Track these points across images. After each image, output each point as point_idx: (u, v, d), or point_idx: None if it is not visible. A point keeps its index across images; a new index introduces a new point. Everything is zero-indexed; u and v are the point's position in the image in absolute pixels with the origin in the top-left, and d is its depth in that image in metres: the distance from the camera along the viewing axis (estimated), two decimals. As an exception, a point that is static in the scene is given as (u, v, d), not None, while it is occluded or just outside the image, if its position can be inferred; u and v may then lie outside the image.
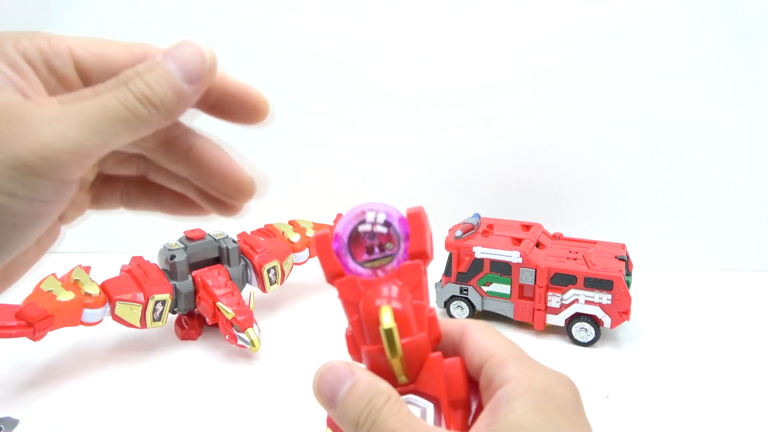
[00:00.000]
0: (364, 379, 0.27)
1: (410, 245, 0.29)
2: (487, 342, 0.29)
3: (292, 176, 1.04)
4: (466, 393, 0.28)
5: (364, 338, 0.29)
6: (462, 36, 0.94)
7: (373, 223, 0.29)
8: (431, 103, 0.98)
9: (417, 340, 0.28)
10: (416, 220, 0.29)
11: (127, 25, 0.98)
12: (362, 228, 0.30)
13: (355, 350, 0.29)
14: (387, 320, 0.27)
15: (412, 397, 0.28)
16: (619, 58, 0.91)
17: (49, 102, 0.23)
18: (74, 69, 0.25)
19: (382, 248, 0.29)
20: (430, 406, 0.27)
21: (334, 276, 0.30)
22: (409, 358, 0.28)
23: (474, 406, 0.29)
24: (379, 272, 0.29)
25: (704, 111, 0.92)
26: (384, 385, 0.27)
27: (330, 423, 0.28)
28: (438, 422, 0.27)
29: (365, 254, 0.29)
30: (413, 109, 0.98)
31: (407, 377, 0.28)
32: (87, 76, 0.25)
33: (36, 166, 0.21)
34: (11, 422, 0.59)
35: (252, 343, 0.68)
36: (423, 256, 0.29)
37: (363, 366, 0.28)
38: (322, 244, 0.30)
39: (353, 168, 1.03)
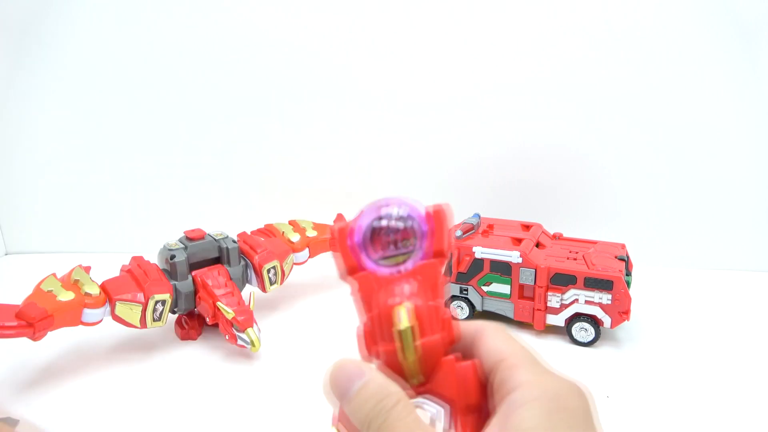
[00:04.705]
0: (374, 379, 0.26)
1: (430, 244, 0.28)
2: (501, 345, 0.28)
3: (292, 176, 1.04)
4: (479, 397, 0.28)
5: (376, 336, 0.28)
6: (462, 37, 0.94)
7: (394, 218, 0.28)
8: (431, 103, 0.98)
9: (432, 342, 0.27)
10: (439, 218, 0.28)
11: (127, 25, 0.98)
12: (382, 223, 0.28)
13: (368, 348, 0.28)
14: (402, 321, 0.26)
15: (424, 399, 0.27)
16: (619, 58, 0.91)
17: None
18: None
19: (401, 245, 0.28)
20: (442, 410, 0.27)
21: (351, 270, 0.29)
22: (423, 360, 0.27)
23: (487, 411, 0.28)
24: (397, 269, 0.28)
25: (704, 111, 0.92)
26: (394, 388, 0.26)
27: (336, 422, 0.28)
28: (450, 426, 0.27)
29: (384, 250, 0.28)
30: (413, 109, 0.98)
31: (420, 379, 0.27)
32: None
33: None
34: (11, 422, 0.59)
35: (252, 343, 0.68)
36: (441, 255, 0.28)
37: (374, 366, 0.28)
38: (341, 237, 0.29)
39: (353, 168, 1.03)
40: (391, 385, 0.26)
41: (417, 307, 0.27)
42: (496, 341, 0.28)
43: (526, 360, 0.27)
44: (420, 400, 0.27)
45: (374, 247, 0.28)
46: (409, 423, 0.25)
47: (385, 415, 0.25)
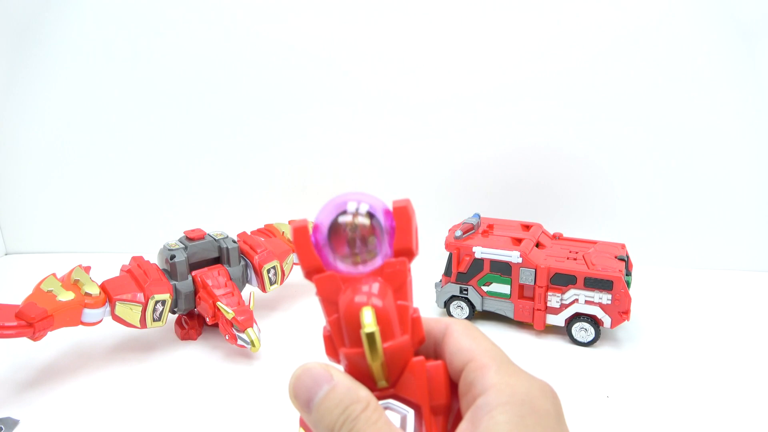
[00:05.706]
0: (342, 383, 0.25)
1: (395, 241, 0.27)
2: (469, 344, 0.27)
3: (292, 176, 1.04)
4: (448, 398, 0.27)
5: (342, 339, 0.27)
6: (462, 38, 0.94)
7: (355, 214, 0.27)
8: (431, 104, 0.98)
9: (399, 344, 0.26)
10: (403, 214, 0.27)
11: (127, 25, 0.98)
12: (343, 219, 0.27)
13: (333, 351, 0.27)
14: (369, 322, 0.25)
15: (392, 402, 0.26)
16: (618, 58, 0.91)
17: None
18: None
19: (364, 242, 0.27)
20: (410, 413, 0.26)
21: (312, 271, 0.27)
22: (390, 363, 0.26)
23: (454, 410, 0.28)
24: (361, 268, 0.27)
25: (704, 111, 0.92)
26: (363, 392, 0.25)
27: (303, 424, 0.27)
28: (419, 429, 0.26)
29: (346, 248, 0.27)
30: (414, 109, 0.98)
31: (388, 382, 0.26)
32: None
33: None
34: (11, 422, 0.59)
35: (252, 343, 0.68)
36: (408, 253, 0.27)
37: (341, 368, 0.27)
38: (300, 236, 0.27)
39: (353, 168, 1.03)
40: (360, 388, 0.25)
41: (384, 308, 0.26)
42: (463, 340, 0.28)
43: (495, 360, 0.26)
44: (387, 402, 0.26)
45: (338, 245, 0.27)
46: (381, 427, 0.24)
47: (353, 422, 0.24)
